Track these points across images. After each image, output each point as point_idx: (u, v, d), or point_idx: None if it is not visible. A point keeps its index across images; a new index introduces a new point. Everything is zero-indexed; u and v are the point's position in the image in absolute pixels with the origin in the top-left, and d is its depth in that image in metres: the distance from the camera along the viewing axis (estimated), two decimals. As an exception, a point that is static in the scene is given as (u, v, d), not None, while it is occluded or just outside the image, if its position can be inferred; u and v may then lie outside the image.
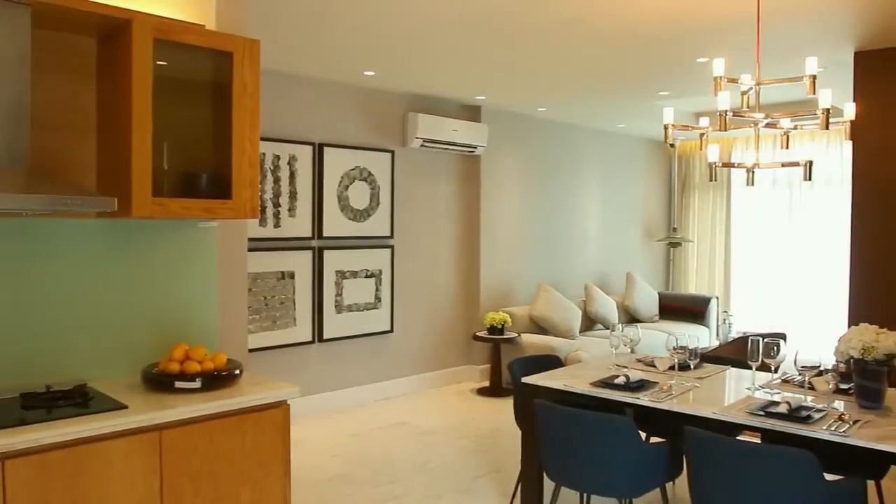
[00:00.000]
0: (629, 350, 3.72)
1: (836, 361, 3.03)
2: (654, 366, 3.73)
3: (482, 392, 6.67)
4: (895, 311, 4.68)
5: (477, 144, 6.83)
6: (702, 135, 4.00)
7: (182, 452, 2.32)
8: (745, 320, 8.94)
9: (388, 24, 4.29)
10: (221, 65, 2.68)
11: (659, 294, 8.75)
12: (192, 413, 2.34)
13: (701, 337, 8.02)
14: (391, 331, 6.43)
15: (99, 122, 2.62)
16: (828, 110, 3.37)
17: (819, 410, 2.87)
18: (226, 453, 2.43)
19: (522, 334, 6.83)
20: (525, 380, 3.56)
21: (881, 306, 4.75)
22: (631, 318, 8.34)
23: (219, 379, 2.54)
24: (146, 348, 2.77)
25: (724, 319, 8.74)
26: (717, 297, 8.82)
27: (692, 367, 3.67)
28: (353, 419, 5.75)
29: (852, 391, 3.07)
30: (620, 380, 3.37)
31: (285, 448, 2.60)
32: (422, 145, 6.44)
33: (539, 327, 7.14)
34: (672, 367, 3.59)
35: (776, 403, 2.95)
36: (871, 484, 3.33)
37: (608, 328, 7.86)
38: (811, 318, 8.37)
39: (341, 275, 6.03)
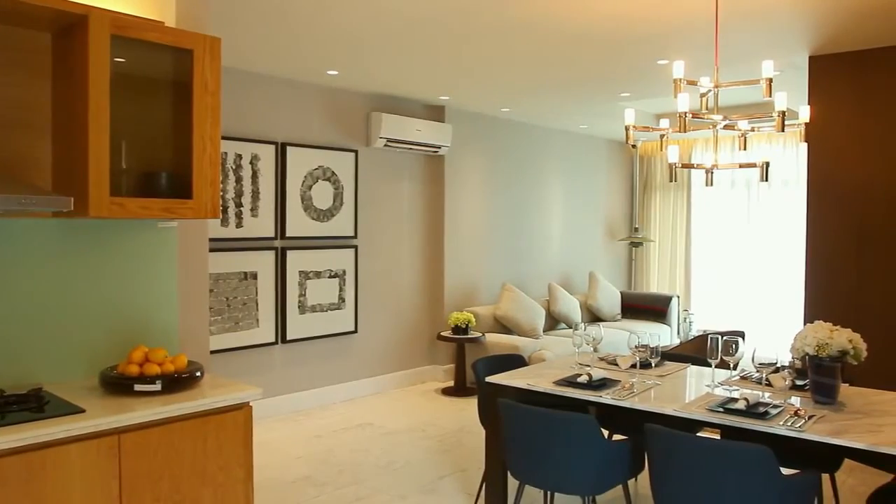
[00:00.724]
0: (592, 349, 3.75)
1: (792, 358, 3.09)
2: (617, 364, 3.78)
3: (447, 392, 6.67)
4: (849, 309, 4.81)
5: (441, 144, 6.84)
6: (662, 136, 4.05)
7: (142, 456, 2.28)
8: (705, 319, 9.11)
9: (351, 23, 4.27)
10: (181, 62, 2.64)
11: (621, 293, 8.86)
12: (151, 416, 2.30)
13: (662, 335, 8.14)
14: (355, 331, 6.40)
15: (54, 119, 2.56)
16: (783, 113, 3.45)
17: (776, 406, 2.93)
18: (187, 456, 2.39)
19: (487, 334, 6.86)
20: (489, 379, 3.58)
21: (835, 305, 4.88)
22: (594, 317, 8.43)
23: (179, 381, 2.50)
24: (104, 350, 2.72)
25: (685, 318, 8.95)
26: (678, 296, 8.95)
27: (653, 365, 3.72)
28: (318, 420, 5.71)
29: (808, 387, 3.14)
30: (583, 378, 3.40)
31: (248, 450, 2.57)
32: (385, 145, 6.42)
33: (503, 327, 7.17)
34: (634, 366, 3.63)
35: (735, 400, 3.00)
36: (825, 477, 3.42)
37: (571, 327, 7.94)
38: (769, 316, 8.55)
39: (305, 275, 5.98)
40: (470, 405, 5.94)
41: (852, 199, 4.90)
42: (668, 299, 8.72)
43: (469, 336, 6.62)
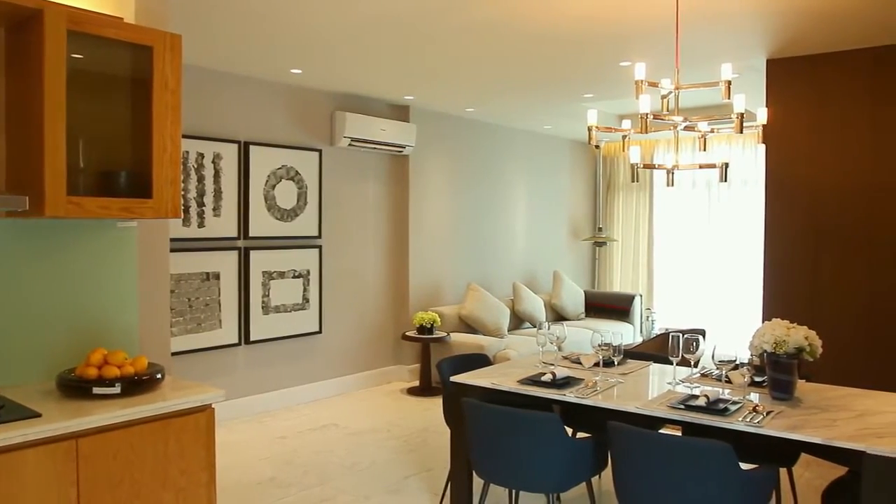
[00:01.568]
0: (556, 348, 3.78)
1: (751, 355, 3.15)
2: (580, 363, 3.81)
3: (412, 392, 6.67)
4: (805, 307, 4.92)
5: (405, 144, 6.83)
6: (624, 137, 4.10)
7: (100, 461, 2.23)
8: (667, 317, 9.25)
9: (315, 21, 4.24)
10: (141, 59, 2.59)
11: (585, 292, 8.95)
12: (110, 420, 2.25)
13: (625, 334, 8.24)
14: (320, 331, 6.36)
15: (8, 116, 2.50)
16: (742, 115, 3.52)
17: (735, 403, 2.98)
18: (147, 461, 2.35)
19: (452, 333, 6.87)
20: (453, 379, 3.59)
21: (792, 303, 4.98)
22: (558, 316, 8.50)
23: (139, 384, 2.46)
24: (62, 353, 2.66)
25: (648, 317, 9.09)
26: (641, 295, 9.07)
27: (616, 363, 3.76)
28: (282, 422, 5.67)
29: (766, 383, 3.21)
30: (547, 377, 3.43)
31: (210, 453, 2.54)
32: (350, 144, 6.39)
33: (468, 326, 7.19)
34: (597, 364, 3.66)
35: (695, 397, 3.05)
36: (783, 471, 3.50)
37: (536, 326, 7.99)
38: (729, 314, 8.71)
39: (268, 275, 5.93)
40: (435, 405, 5.94)
41: (808, 199, 5.02)
42: (630, 298, 8.84)
43: (434, 336, 6.63)
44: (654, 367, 3.91)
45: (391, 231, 7.06)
